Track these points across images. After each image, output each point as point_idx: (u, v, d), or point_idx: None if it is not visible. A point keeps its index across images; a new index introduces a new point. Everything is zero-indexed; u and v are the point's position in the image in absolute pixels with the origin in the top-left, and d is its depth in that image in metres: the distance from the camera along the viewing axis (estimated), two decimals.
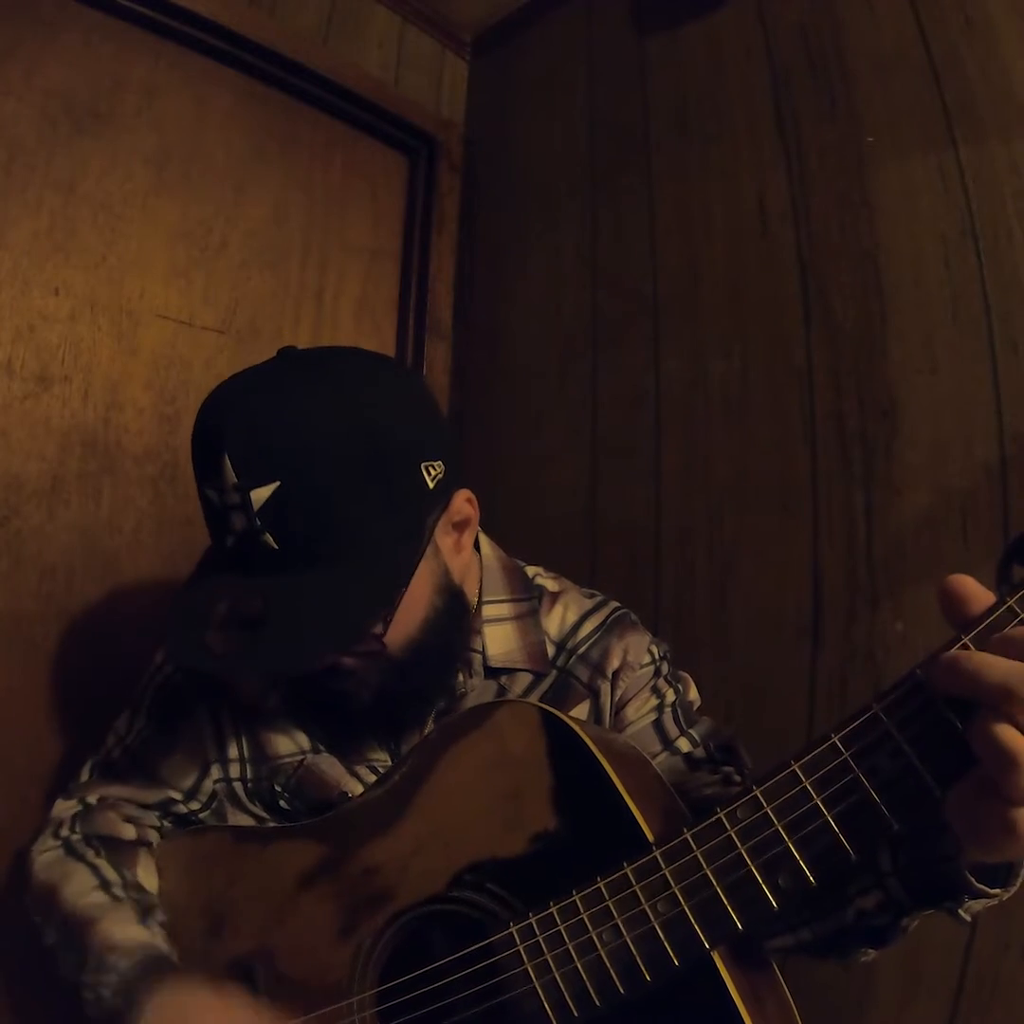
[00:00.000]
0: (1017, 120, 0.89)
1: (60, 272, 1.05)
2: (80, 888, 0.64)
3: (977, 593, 0.39)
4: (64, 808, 0.73)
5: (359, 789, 0.68)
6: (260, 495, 0.54)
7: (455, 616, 0.67)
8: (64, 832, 0.70)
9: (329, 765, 0.69)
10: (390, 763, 0.69)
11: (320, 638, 0.56)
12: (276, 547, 0.55)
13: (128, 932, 0.60)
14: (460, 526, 0.68)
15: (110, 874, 0.65)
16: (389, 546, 0.58)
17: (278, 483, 0.54)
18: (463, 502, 0.66)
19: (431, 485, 0.61)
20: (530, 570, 0.79)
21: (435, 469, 0.62)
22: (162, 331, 1.15)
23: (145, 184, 1.15)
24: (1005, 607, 0.38)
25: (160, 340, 1.14)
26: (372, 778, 0.68)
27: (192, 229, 1.19)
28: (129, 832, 0.71)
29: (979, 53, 0.93)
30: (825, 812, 0.41)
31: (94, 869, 0.66)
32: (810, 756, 0.42)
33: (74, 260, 1.07)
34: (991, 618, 0.38)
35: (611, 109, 1.34)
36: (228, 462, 0.54)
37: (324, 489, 0.55)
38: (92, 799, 0.73)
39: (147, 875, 0.68)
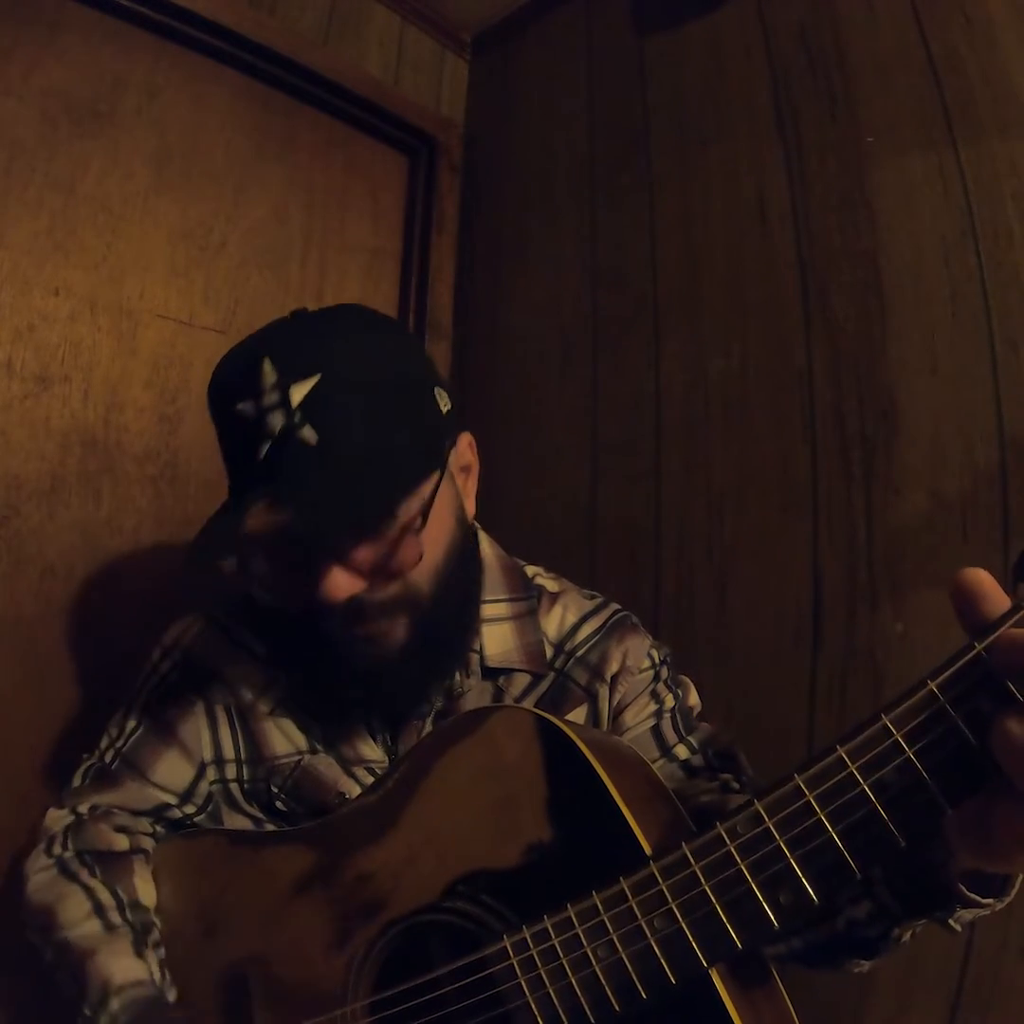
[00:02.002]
0: (1017, 120, 0.89)
1: (60, 272, 1.05)
2: (75, 914, 0.63)
3: (992, 591, 0.37)
4: (56, 819, 0.72)
5: (356, 790, 0.67)
6: (300, 390, 0.56)
7: (471, 562, 0.68)
8: (57, 849, 0.69)
9: (326, 766, 0.69)
10: (387, 764, 0.69)
11: (362, 507, 0.56)
12: (314, 442, 0.56)
13: (124, 966, 0.60)
14: (465, 470, 0.69)
15: (104, 897, 0.65)
16: (417, 446, 0.60)
17: (319, 375, 0.56)
18: (466, 446, 0.68)
19: (443, 410, 0.64)
20: (530, 570, 0.79)
21: (444, 399, 0.65)
22: (162, 331, 1.15)
23: (145, 184, 1.15)
24: (1022, 612, 0.36)
25: (160, 340, 1.14)
26: (370, 780, 0.68)
27: (192, 229, 1.19)
28: (122, 843, 0.70)
29: (979, 53, 0.93)
30: (829, 827, 0.39)
31: (88, 891, 0.65)
32: (814, 769, 0.40)
33: (74, 260, 1.07)
34: (1007, 623, 0.36)
35: (611, 109, 1.34)
36: (268, 363, 0.57)
37: (358, 385, 0.58)
38: (84, 809, 0.72)
39: (144, 885, 0.67)
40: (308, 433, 0.55)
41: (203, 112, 1.23)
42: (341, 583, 0.57)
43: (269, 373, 0.56)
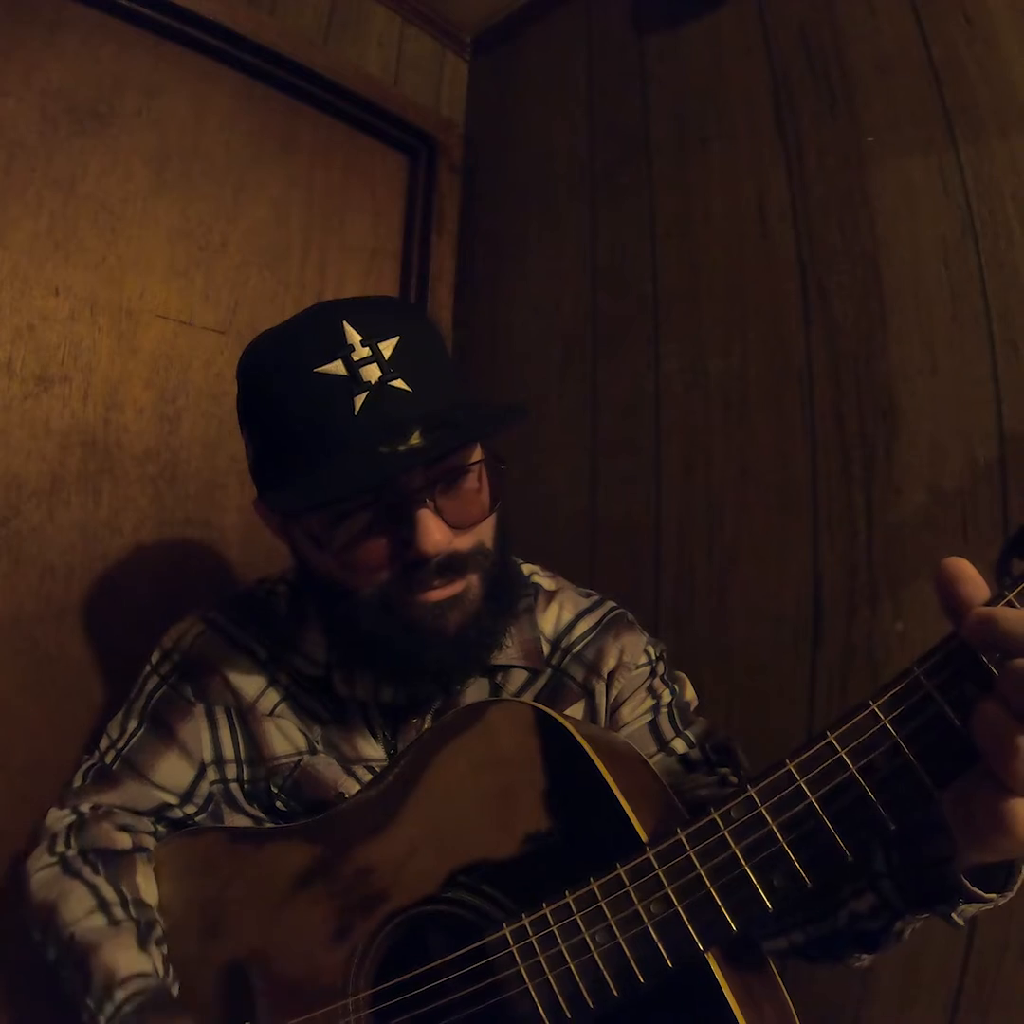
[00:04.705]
0: (1017, 120, 0.89)
1: (60, 272, 1.05)
2: (79, 910, 0.63)
3: (973, 577, 0.38)
4: (58, 818, 0.72)
5: (356, 789, 0.67)
6: (387, 347, 0.59)
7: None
8: (59, 847, 0.69)
9: (326, 766, 0.69)
10: (387, 762, 0.69)
11: (457, 452, 0.60)
12: (410, 389, 0.59)
13: (129, 959, 0.60)
14: None
15: (108, 893, 0.65)
16: (474, 403, 0.65)
17: (398, 336, 0.60)
18: None
19: None
20: (526, 568, 0.79)
21: None
22: (162, 331, 1.15)
23: (145, 184, 1.15)
24: (1004, 600, 0.37)
25: (160, 340, 1.14)
26: (370, 778, 0.68)
27: (192, 229, 1.19)
28: (124, 841, 0.70)
29: (979, 53, 0.93)
30: (820, 811, 0.40)
31: (92, 888, 0.65)
32: (805, 754, 0.41)
33: (74, 260, 1.07)
34: None
35: (611, 109, 1.34)
36: (348, 327, 0.59)
37: (428, 349, 0.63)
38: (85, 808, 0.72)
39: (146, 883, 0.67)
40: (401, 383, 0.58)
41: (203, 112, 1.23)
42: (437, 534, 0.58)
43: (353, 333, 0.59)
